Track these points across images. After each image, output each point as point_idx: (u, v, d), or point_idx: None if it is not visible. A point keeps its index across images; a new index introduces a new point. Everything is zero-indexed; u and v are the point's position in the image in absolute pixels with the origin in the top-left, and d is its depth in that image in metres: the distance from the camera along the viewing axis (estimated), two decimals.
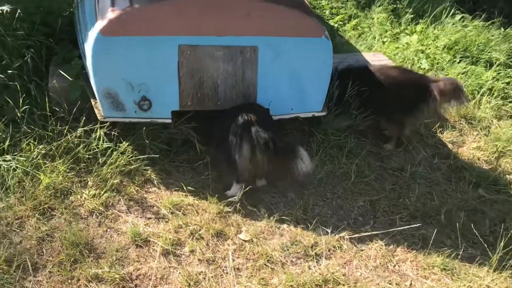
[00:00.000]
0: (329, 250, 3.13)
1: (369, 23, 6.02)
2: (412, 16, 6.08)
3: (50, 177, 3.27)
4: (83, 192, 3.28)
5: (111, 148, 3.45)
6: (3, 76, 3.62)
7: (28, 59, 3.76)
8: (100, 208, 3.21)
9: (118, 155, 3.45)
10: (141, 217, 3.22)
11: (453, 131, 4.48)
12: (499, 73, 5.14)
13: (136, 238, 3.04)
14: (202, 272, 2.91)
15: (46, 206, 3.16)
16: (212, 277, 2.88)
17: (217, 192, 3.42)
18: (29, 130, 3.46)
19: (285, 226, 3.27)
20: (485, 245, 3.15)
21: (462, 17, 6.02)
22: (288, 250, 3.10)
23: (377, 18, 6.03)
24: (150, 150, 3.54)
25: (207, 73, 3.46)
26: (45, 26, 4.07)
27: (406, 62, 5.22)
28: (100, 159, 3.42)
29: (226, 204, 3.32)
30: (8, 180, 3.22)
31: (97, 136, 3.46)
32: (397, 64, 5.07)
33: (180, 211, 3.26)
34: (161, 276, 2.86)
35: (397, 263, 3.11)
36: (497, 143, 4.31)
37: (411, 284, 2.98)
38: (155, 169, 3.54)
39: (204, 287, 2.82)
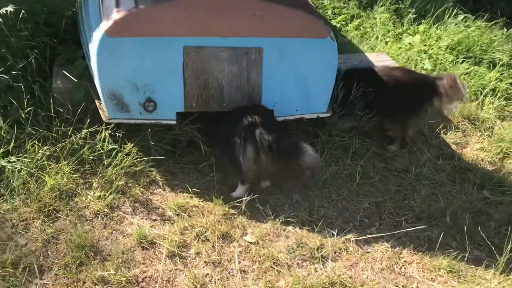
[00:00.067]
0: (335, 252, 3.13)
1: (371, 23, 6.01)
2: (414, 16, 6.07)
3: (55, 178, 3.26)
4: (88, 194, 3.27)
5: (116, 150, 3.45)
6: (8, 77, 3.60)
7: (32, 60, 3.75)
8: (105, 210, 3.20)
9: (123, 156, 3.44)
10: (146, 219, 3.21)
11: (457, 132, 4.48)
12: (502, 74, 5.13)
13: (141, 240, 3.03)
14: (208, 274, 2.90)
15: (51, 208, 3.16)
16: (218, 279, 2.87)
17: (222, 194, 3.41)
18: (33, 131, 3.45)
19: (290, 228, 3.26)
20: (492, 247, 3.14)
21: (465, 17, 6.01)
22: (294, 252, 3.09)
23: (380, 18, 6.01)
24: (155, 152, 3.54)
25: (212, 75, 3.46)
26: (48, 27, 4.06)
27: (409, 62, 5.22)
28: (105, 161, 3.42)
29: (232, 206, 3.31)
30: (12, 181, 3.20)
31: (102, 138, 3.45)
32: (400, 64, 5.06)
33: (185, 213, 3.26)
34: (167, 278, 2.85)
35: (403, 265, 3.11)
36: (501, 144, 4.31)
37: (417, 286, 2.98)
38: (160, 171, 3.53)
39: None
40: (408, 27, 5.95)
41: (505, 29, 5.91)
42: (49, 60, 3.96)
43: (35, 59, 3.77)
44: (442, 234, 3.25)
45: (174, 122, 3.52)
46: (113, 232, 3.10)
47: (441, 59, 5.28)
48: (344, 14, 6.19)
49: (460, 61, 5.26)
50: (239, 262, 2.99)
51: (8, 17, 3.67)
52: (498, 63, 5.24)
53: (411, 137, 4.19)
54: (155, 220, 3.21)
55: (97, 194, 3.27)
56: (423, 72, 5.02)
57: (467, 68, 5.14)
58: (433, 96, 4.00)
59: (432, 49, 5.44)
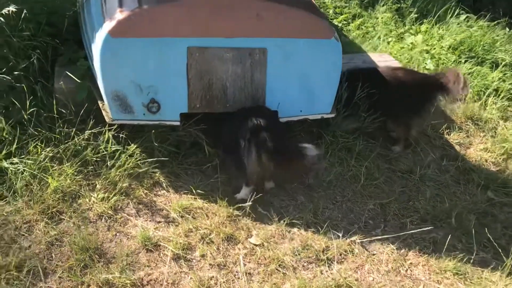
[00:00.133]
0: (340, 255, 3.11)
1: (373, 23, 5.99)
2: (416, 15, 6.05)
3: (58, 180, 3.24)
4: (92, 196, 3.24)
5: (120, 151, 3.42)
6: (10, 78, 3.57)
7: (34, 60, 3.71)
8: (109, 211, 3.18)
9: (127, 157, 3.42)
10: (150, 221, 3.19)
11: (460, 132, 4.47)
12: (505, 74, 5.12)
13: (146, 243, 3.00)
14: (213, 277, 2.88)
15: (54, 209, 3.13)
16: (223, 282, 2.85)
17: (226, 195, 3.38)
18: (36, 133, 3.42)
19: (295, 230, 3.24)
20: (499, 249, 3.13)
21: (467, 17, 5.99)
22: (299, 254, 3.07)
23: (381, 18, 6.00)
24: (158, 153, 3.51)
25: (216, 75, 3.43)
26: (50, 27, 4.03)
27: (412, 62, 5.20)
28: (108, 162, 3.39)
29: (236, 208, 3.29)
30: (15, 183, 3.18)
31: (105, 139, 3.42)
32: (403, 64, 5.05)
33: (189, 215, 3.23)
34: (173, 281, 2.83)
35: (409, 268, 3.09)
36: (504, 144, 4.30)
37: None
38: (164, 172, 3.51)
39: None
40: (410, 27, 5.93)
41: (507, 29, 5.90)
42: (51, 61, 3.92)
43: (37, 59, 3.74)
44: (447, 236, 3.23)
45: (178, 123, 3.50)
46: (117, 234, 3.08)
47: (444, 59, 5.27)
48: (345, 13, 6.18)
49: (463, 61, 5.25)
50: (245, 265, 2.97)
51: (10, 17, 3.64)
52: (501, 63, 5.23)
53: (415, 138, 4.18)
54: (159, 222, 3.19)
55: (100, 195, 3.24)
56: (426, 72, 5.00)
57: (470, 68, 5.13)
58: (438, 94, 3.99)
59: (434, 49, 5.42)
